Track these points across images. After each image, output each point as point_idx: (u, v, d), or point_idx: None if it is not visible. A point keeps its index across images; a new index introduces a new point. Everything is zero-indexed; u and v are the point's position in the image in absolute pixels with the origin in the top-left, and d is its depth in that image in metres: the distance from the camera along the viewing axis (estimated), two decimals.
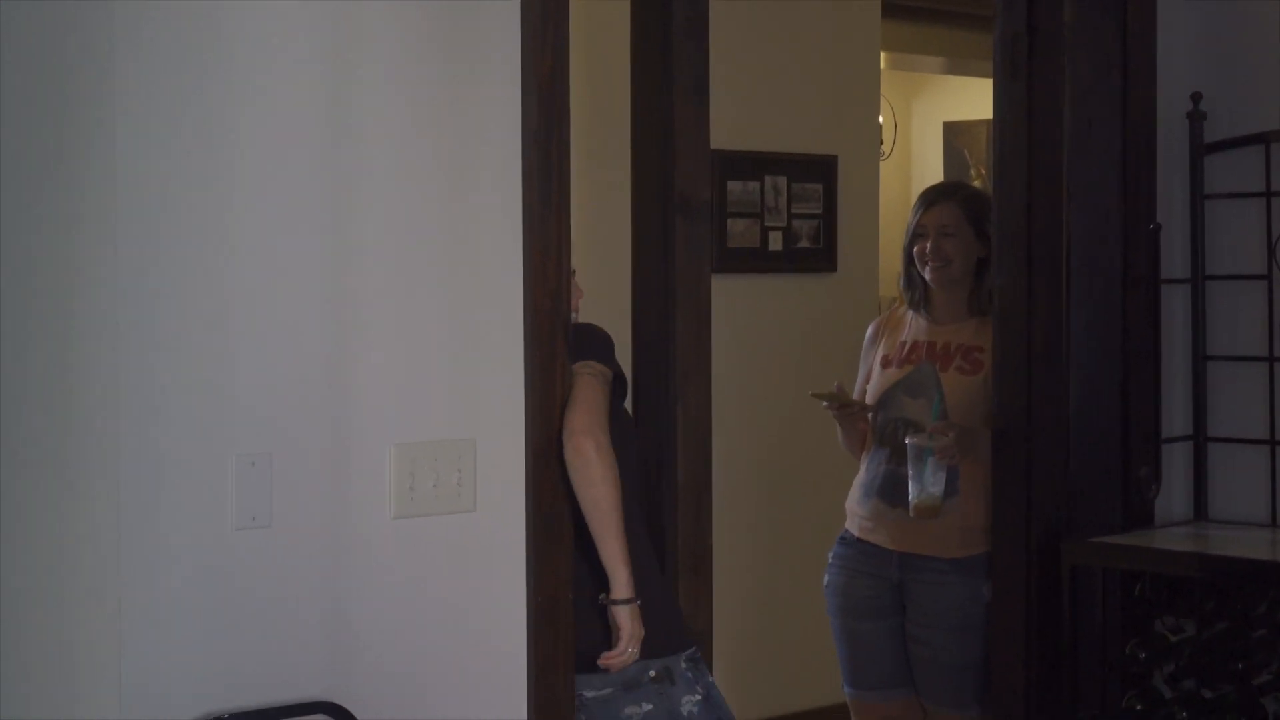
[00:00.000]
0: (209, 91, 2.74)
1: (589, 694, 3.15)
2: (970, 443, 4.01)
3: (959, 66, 7.67)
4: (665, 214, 3.46)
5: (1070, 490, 3.90)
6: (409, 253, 2.96)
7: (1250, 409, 4.00)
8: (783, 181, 5.91)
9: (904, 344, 4.24)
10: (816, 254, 6.02)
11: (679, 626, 3.29)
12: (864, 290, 6.12)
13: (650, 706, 3.15)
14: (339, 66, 2.87)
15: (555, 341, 3.08)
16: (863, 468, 4.26)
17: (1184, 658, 3.75)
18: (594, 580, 3.15)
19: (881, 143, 7.52)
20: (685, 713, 3.17)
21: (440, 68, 2.97)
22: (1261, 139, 3.95)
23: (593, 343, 3.20)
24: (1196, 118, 4.01)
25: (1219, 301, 4.02)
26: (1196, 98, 4.01)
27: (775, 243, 5.92)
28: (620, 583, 3.12)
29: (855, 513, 4.25)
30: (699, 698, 3.19)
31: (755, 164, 5.83)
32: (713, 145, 3.56)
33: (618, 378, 3.22)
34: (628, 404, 3.38)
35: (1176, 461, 4.06)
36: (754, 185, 5.84)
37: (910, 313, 4.26)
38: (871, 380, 4.28)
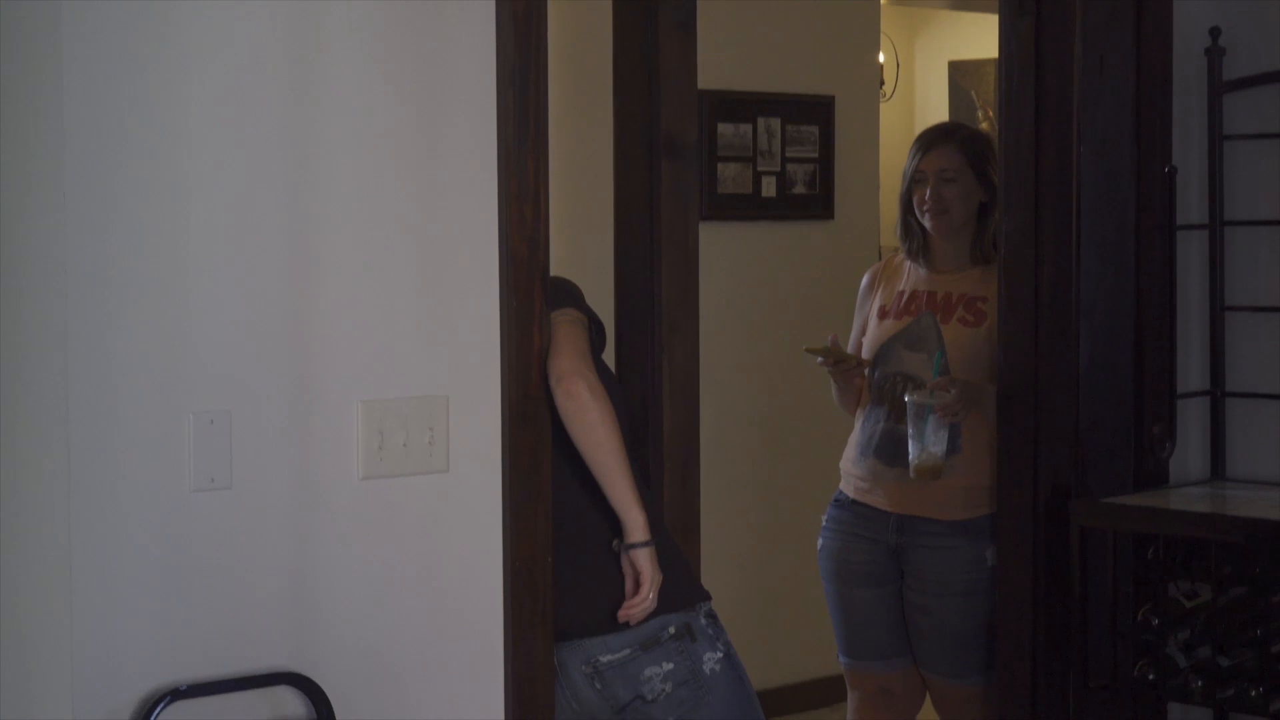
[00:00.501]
0: (163, 34, 2.72)
1: (604, 658, 3.15)
2: (974, 399, 4.01)
3: (965, 1, 7.64)
4: (650, 157, 3.45)
5: (1079, 448, 3.90)
6: (377, 199, 2.94)
7: (1271, 362, 4.00)
8: (776, 124, 5.90)
9: (902, 294, 4.23)
10: (812, 201, 6.01)
11: (694, 578, 3.30)
12: (863, 239, 6.12)
13: (671, 665, 3.15)
14: (301, 3, 2.85)
15: (533, 291, 3.07)
16: (858, 426, 4.26)
17: (1199, 624, 3.76)
18: (603, 532, 3.15)
19: (882, 83, 7.51)
20: (708, 671, 3.17)
21: (410, 4, 2.95)
22: None
23: (566, 292, 3.20)
24: (1215, 54, 4.00)
25: (1238, 249, 4.02)
26: (1215, 33, 4.00)
27: (768, 189, 5.91)
28: (636, 525, 3.12)
29: (850, 473, 4.25)
30: (721, 654, 3.20)
31: (747, 105, 5.81)
32: (701, 85, 3.55)
33: (596, 326, 3.22)
34: (609, 360, 3.38)
35: (1192, 418, 4.06)
36: (746, 128, 5.83)
37: (909, 261, 4.26)
38: (868, 333, 4.27)
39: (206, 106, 2.77)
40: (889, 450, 4.14)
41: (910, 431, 3.98)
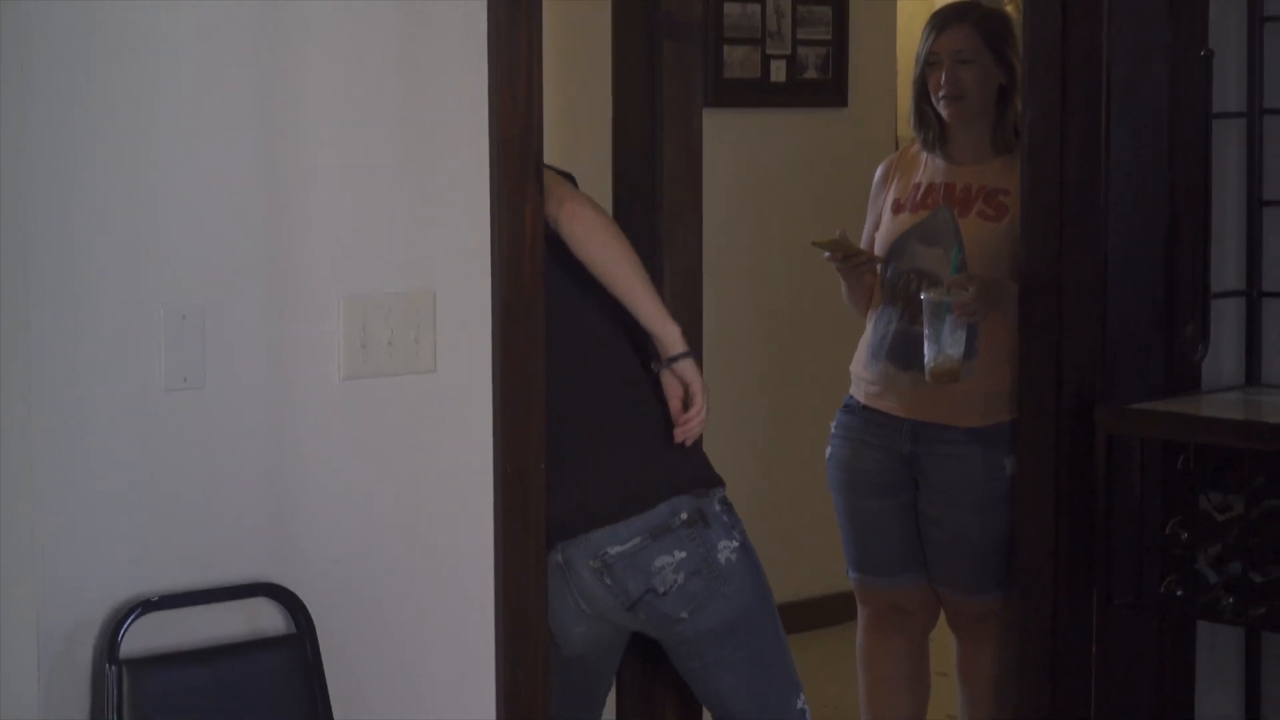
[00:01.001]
0: None
1: (613, 550, 3.17)
2: (994, 297, 4.01)
3: None
4: (651, 37, 3.43)
5: (1106, 350, 3.90)
6: (357, 77, 2.93)
7: None
8: (786, 3, 5.86)
9: (918, 186, 4.22)
10: (825, 86, 5.99)
11: (705, 460, 3.32)
12: (879, 128, 6.09)
13: (684, 554, 3.17)
14: None
15: (526, 178, 3.06)
16: (870, 326, 4.26)
17: (1231, 538, 3.78)
18: (607, 414, 3.17)
19: None
20: (723, 560, 3.19)
21: None
22: None
23: (555, 173, 3.21)
24: None
25: (1279, 139, 4.00)
26: None
27: (778, 73, 5.88)
28: (673, 337, 3.20)
29: (861, 377, 4.26)
30: (736, 544, 3.21)
31: None
32: None
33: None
34: None
35: (1227, 319, 4.06)
36: (754, 8, 5.79)
37: (925, 152, 4.24)
38: (881, 227, 4.26)
39: None
40: (903, 352, 4.14)
41: (926, 332, 3.98)
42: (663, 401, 3.30)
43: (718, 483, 3.27)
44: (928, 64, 4.17)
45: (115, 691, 2.71)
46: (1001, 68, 4.13)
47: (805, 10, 5.91)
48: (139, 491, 2.77)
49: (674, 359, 3.22)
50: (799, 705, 3.32)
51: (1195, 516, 3.82)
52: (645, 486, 3.19)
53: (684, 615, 3.17)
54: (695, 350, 3.50)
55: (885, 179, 4.33)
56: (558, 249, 3.20)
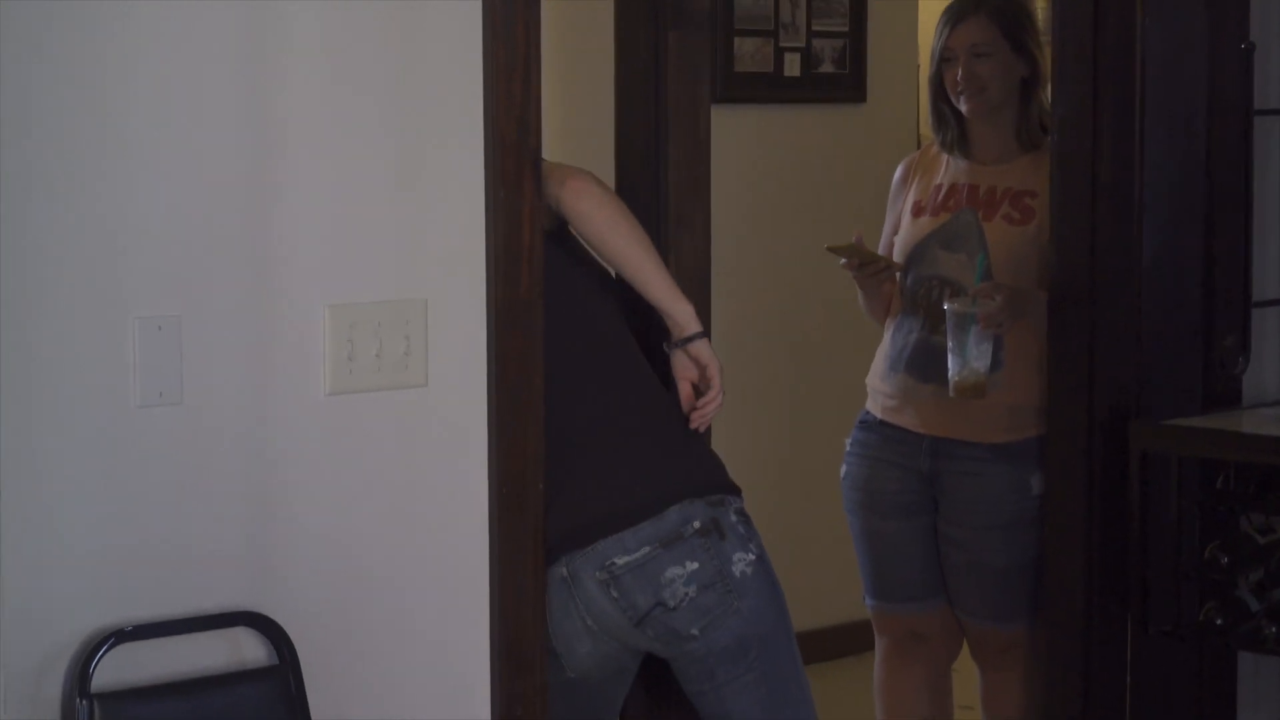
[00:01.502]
0: None
1: (621, 560, 3.16)
2: (1021, 307, 4.01)
3: None
4: (656, 27, 3.44)
5: (1141, 362, 3.91)
6: (344, 72, 2.93)
7: None
8: None
9: (939, 187, 4.23)
10: (842, 81, 5.99)
11: (720, 465, 3.32)
12: (899, 125, 6.09)
13: (696, 565, 3.17)
14: None
15: (523, 179, 3.06)
16: (888, 336, 4.26)
17: (1274, 562, 3.78)
18: (612, 415, 3.18)
19: None
20: (738, 573, 3.19)
21: None
22: None
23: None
24: None
25: None
26: None
27: (792, 67, 5.88)
28: (687, 316, 3.23)
29: (878, 390, 4.26)
30: (753, 557, 3.21)
31: None
32: None
33: None
34: None
35: (1269, 330, 4.06)
36: None
37: (946, 152, 4.25)
38: (900, 231, 4.27)
39: None
40: (923, 363, 4.14)
41: (949, 345, 3.97)
42: (674, 402, 3.30)
43: (733, 490, 3.26)
44: (943, 60, 4.18)
45: None
46: (1022, 59, 4.14)
47: (821, 1, 5.91)
48: (111, 515, 2.77)
49: (688, 339, 3.25)
50: None
51: (1236, 539, 3.82)
52: (654, 491, 3.19)
53: (695, 632, 3.17)
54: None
55: (905, 180, 4.33)
56: (556, 244, 3.20)
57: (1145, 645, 3.91)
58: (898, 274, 4.20)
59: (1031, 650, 4.13)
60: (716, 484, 3.25)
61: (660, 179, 3.45)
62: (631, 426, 3.24)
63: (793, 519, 5.84)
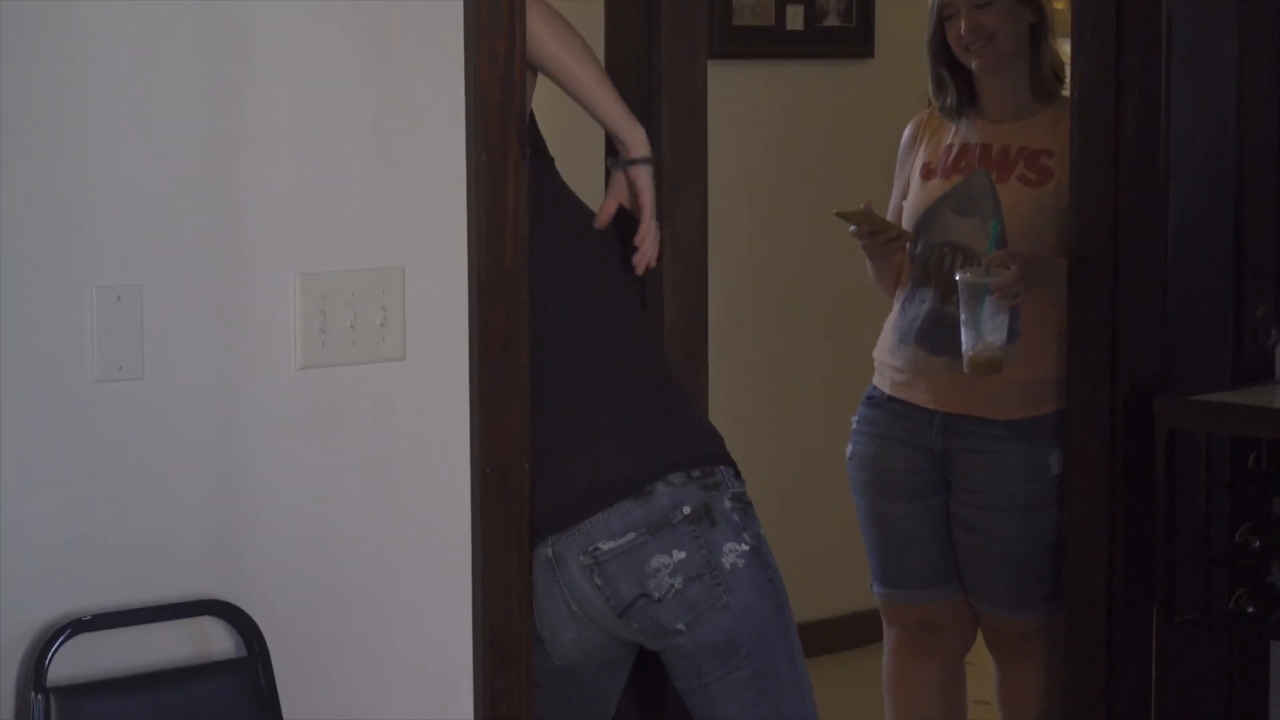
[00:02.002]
0: None
1: (605, 545, 3.15)
2: (1038, 275, 4.01)
3: None
4: None
5: (1167, 334, 3.91)
6: (316, 27, 2.92)
7: None
8: None
9: (950, 148, 4.23)
10: (848, 35, 5.98)
11: (711, 431, 3.29)
12: (909, 82, 6.05)
13: (683, 555, 3.15)
14: None
15: (507, 142, 3.06)
16: (897, 307, 4.27)
17: None
18: (603, 382, 3.18)
19: None
20: (727, 565, 3.16)
21: None
22: None
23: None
24: None
25: None
26: None
27: (794, 20, 5.88)
28: (637, 138, 3.25)
29: (887, 364, 4.26)
30: (746, 548, 3.17)
31: None
32: None
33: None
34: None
35: None
36: None
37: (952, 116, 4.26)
38: (910, 195, 4.27)
39: None
40: (934, 335, 4.14)
41: (963, 317, 3.98)
42: (667, 360, 3.29)
43: (726, 460, 3.23)
44: (943, 17, 4.19)
45: None
46: (1027, 4, 4.14)
47: None
48: (67, 497, 2.76)
49: (633, 161, 3.27)
50: None
51: (1268, 522, 3.82)
52: (642, 463, 3.16)
53: (680, 627, 3.16)
54: (699, 334, 3.51)
55: (914, 141, 4.34)
56: (538, 193, 3.21)
57: (1171, 635, 3.91)
58: (908, 244, 4.21)
59: (1050, 641, 4.15)
60: (709, 454, 3.22)
61: (653, 141, 3.43)
62: (620, 389, 3.22)
63: (795, 502, 5.85)
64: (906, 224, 4.22)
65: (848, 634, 5.88)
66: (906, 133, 4.38)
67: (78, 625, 2.75)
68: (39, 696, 2.71)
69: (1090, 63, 3.90)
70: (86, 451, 2.78)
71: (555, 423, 3.18)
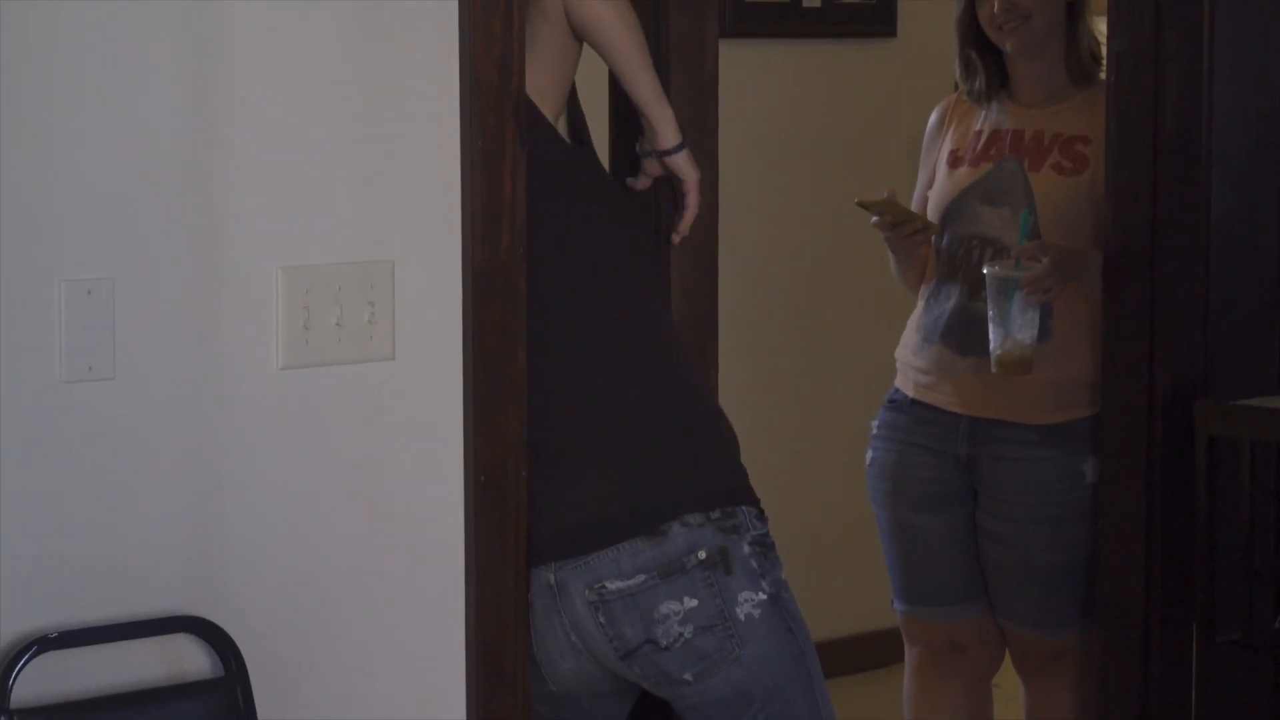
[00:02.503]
0: None
1: (612, 585, 3.14)
2: (1072, 269, 4.01)
3: None
4: None
5: (1209, 334, 3.91)
6: (300, 9, 2.92)
7: None
8: None
9: (979, 134, 4.23)
10: (869, 12, 5.98)
11: (735, 467, 3.27)
12: (934, 63, 6.05)
13: (695, 602, 3.14)
14: None
15: (504, 126, 3.06)
16: (922, 304, 4.27)
17: None
18: (619, 398, 3.18)
19: None
20: (742, 616, 3.15)
21: None
22: None
23: None
24: None
25: None
26: None
27: None
28: (669, 123, 3.30)
29: (910, 365, 4.26)
30: (764, 597, 3.16)
31: None
32: None
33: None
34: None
35: None
36: None
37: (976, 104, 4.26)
38: (936, 184, 4.27)
39: None
40: (961, 334, 4.14)
41: (990, 313, 3.98)
42: (692, 376, 3.29)
43: (749, 499, 3.22)
44: None
45: None
46: None
47: None
48: (33, 506, 2.76)
49: (669, 151, 3.32)
50: None
51: None
52: (656, 498, 3.15)
53: (688, 677, 3.15)
54: (707, 330, 3.51)
55: (941, 126, 4.34)
56: (567, 155, 3.21)
57: (1212, 655, 3.91)
58: (934, 236, 4.21)
59: (1083, 661, 4.15)
60: (731, 492, 3.21)
61: None
62: (642, 409, 3.20)
63: (811, 513, 5.85)
64: (932, 215, 4.23)
65: (867, 654, 5.89)
66: (933, 118, 4.38)
67: (44, 643, 2.75)
68: (2, 719, 2.71)
69: (1128, 42, 3.90)
70: (54, 457, 2.78)
71: (567, 438, 3.18)
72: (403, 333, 3.04)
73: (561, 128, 3.28)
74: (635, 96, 3.28)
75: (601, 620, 3.14)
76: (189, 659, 2.88)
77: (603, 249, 3.26)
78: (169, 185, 2.85)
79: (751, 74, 5.69)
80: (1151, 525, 3.93)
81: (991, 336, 3.99)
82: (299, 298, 2.95)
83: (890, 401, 4.31)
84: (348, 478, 3.01)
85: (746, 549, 3.17)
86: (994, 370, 4.00)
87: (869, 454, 4.33)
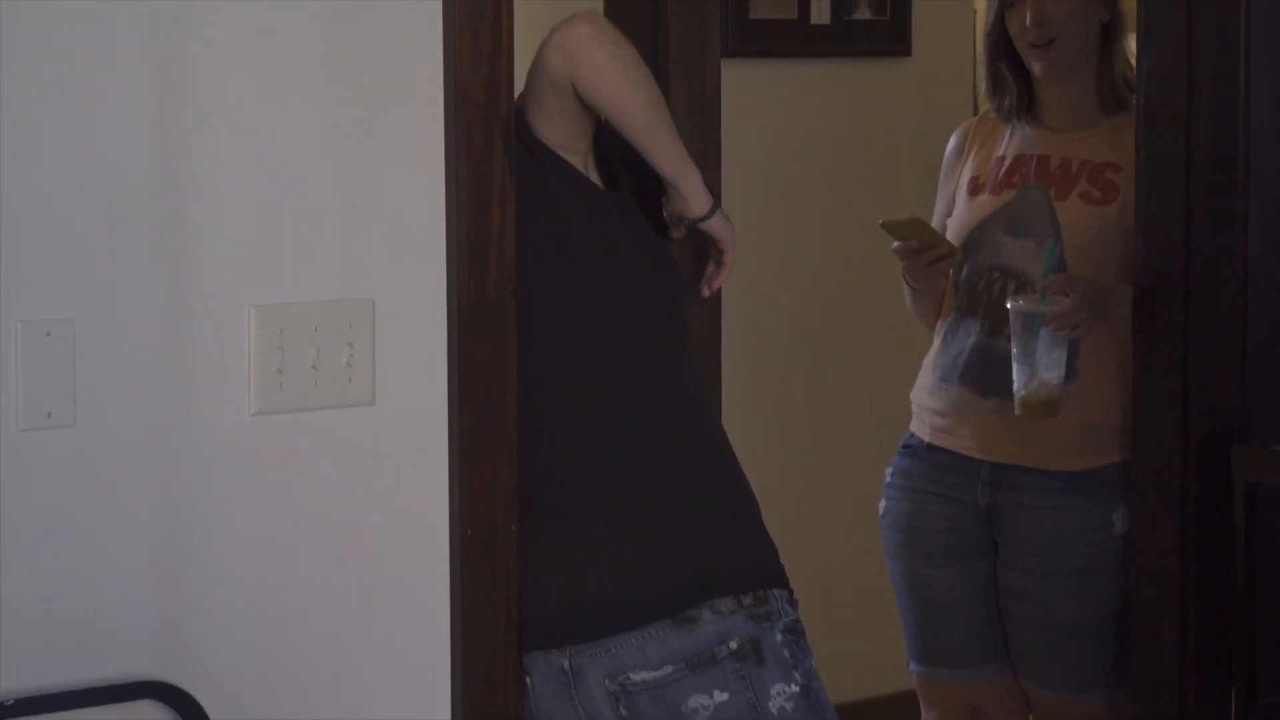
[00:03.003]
0: None
1: (637, 676, 3.13)
2: (1100, 304, 4.02)
3: None
4: None
5: (1247, 373, 3.91)
6: (273, 20, 2.93)
7: None
8: None
9: (1002, 159, 4.24)
10: (882, 30, 5.98)
11: (765, 545, 3.27)
12: (951, 84, 6.09)
13: (725, 696, 3.14)
14: None
15: (492, 151, 3.06)
16: (939, 341, 4.27)
17: None
18: (638, 458, 3.17)
19: None
20: (774, 710, 3.15)
21: None
22: None
23: None
24: None
25: None
26: None
27: (820, 12, 5.88)
28: (698, 191, 3.23)
29: (926, 407, 4.26)
30: (796, 689, 3.16)
31: None
32: None
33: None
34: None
35: None
36: None
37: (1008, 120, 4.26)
38: (955, 212, 4.27)
39: None
40: (982, 373, 4.14)
41: (1014, 351, 3.98)
42: (722, 445, 3.29)
43: (780, 581, 3.22)
44: (1006, 4, 4.19)
45: None
46: (1100, 0, 4.15)
47: None
48: None
49: (701, 220, 3.29)
50: None
51: None
52: (684, 581, 3.14)
53: None
54: (709, 368, 3.51)
55: (960, 151, 4.34)
56: (568, 235, 3.21)
57: None
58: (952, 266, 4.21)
59: None
60: (763, 574, 3.21)
61: None
62: (669, 478, 3.21)
63: (819, 567, 5.84)
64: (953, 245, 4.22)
65: (881, 717, 5.88)
66: (952, 142, 4.38)
67: (1, 710, 2.74)
68: None
69: (1158, 60, 3.91)
70: (9, 509, 2.77)
71: (583, 504, 3.17)
72: (383, 376, 3.03)
73: (592, 171, 3.28)
74: (658, 168, 3.24)
75: (624, 712, 3.14)
76: None
77: (630, 294, 3.24)
78: (133, 217, 2.85)
79: (757, 95, 5.69)
80: (1186, 580, 3.92)
81: (1015, 376, 3.98)
82: (272, 338, 2.94)
83: (905, 447, 4.31)
84: (325, 532, 3.00)
85: (779, 637, 3.18)
86: (1018, 413, 4.00)
87: (882, 504, 4.33)
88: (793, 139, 5.85)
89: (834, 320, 5.94)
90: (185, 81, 2.88)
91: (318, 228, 2.98)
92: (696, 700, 3.13)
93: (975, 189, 4.24)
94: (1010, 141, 4.24)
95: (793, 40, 5.84)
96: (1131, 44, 4.14)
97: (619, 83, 3.13)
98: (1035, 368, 3.96)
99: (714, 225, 3.28)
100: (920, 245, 4.12)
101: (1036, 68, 4.16)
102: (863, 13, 5.96)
